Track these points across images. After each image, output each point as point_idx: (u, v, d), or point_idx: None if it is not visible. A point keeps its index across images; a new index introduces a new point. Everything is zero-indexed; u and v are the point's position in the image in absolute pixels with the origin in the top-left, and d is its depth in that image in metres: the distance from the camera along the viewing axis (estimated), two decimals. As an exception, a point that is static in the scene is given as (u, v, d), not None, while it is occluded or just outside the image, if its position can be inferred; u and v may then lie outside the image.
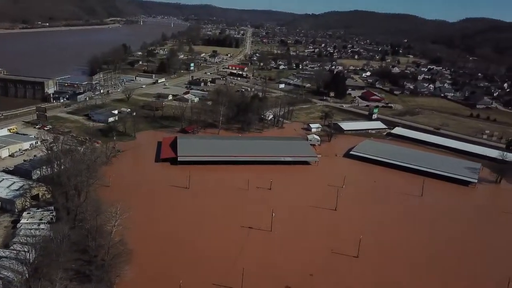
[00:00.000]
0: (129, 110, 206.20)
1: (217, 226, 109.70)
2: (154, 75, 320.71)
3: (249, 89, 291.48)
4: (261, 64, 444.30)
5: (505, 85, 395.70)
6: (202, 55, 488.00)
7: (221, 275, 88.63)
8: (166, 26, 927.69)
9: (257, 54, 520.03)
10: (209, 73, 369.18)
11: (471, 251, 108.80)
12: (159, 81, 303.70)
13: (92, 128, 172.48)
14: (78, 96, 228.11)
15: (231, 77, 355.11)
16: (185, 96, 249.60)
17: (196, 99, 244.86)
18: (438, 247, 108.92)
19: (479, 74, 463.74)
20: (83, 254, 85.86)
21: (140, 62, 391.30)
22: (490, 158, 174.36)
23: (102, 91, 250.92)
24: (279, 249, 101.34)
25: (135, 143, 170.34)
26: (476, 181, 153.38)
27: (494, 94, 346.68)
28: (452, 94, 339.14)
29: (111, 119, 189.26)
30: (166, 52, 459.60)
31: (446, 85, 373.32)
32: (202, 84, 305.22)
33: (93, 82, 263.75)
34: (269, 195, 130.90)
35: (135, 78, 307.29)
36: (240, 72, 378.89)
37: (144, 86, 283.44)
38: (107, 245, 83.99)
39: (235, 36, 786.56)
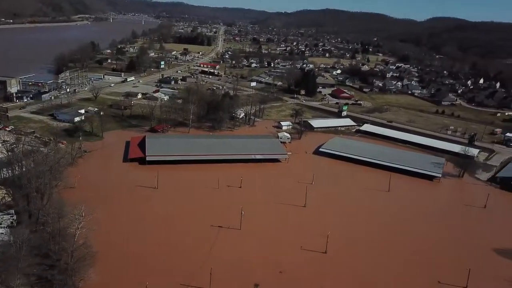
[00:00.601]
0: (96, 109, 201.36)
1: (186, 226, 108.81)
2: (123, 74, 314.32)
3: (220, 87, 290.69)
4: (233, 62, 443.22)
5: (469, 82, 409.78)
6: (173, 53, 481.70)
7: (189, 275, 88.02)
8: (137, 23, 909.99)
9: (229, 52, 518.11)
10: (180, 71, 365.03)
11: (436, 243, 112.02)
12: (128, 80, 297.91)
13: (57, 128, 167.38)
14: (43, 96, 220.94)
15: (203, 75, 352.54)
16: (155, 95, 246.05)
17: (166, 98, 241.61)
18: (404, 240, 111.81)
19: (445, 72, 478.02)
20: (45, 259, 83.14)
21: (109, 60, 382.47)
22: (453, 153, 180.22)
23: (68, 90, 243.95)
24: (249, 247, 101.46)
25: (103, 143, 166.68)
26: (440, 175, 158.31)
27: (458, 91, 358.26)
28: (419, 91, 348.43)
29: (77, 119, 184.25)
30: (136, 50, 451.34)
31: (413, 82, 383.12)
32: (173, 82, 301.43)
33: (59, 81, 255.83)
34: (239, 193, 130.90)
35: (104, 77, 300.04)
36: (212, 70, 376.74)
37: (112, 85, 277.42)
38: (70, 248, 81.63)
39: (207, 34, 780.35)
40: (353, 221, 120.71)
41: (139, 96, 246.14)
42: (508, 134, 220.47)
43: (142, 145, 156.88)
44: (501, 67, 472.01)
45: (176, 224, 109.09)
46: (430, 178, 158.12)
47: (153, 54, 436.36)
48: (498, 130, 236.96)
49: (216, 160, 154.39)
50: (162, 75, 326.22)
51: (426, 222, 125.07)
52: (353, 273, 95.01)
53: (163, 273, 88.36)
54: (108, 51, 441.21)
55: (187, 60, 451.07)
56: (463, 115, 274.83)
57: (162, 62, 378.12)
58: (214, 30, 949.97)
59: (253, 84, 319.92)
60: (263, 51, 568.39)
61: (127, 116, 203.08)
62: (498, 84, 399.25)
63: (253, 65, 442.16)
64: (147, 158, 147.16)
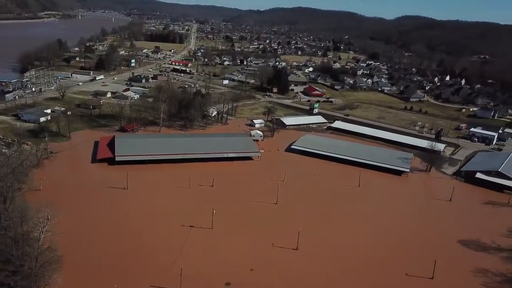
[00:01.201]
0: (63, 109, 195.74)
1: (156, 226, 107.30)
2: (92, 72, 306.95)
3: (192, 85, 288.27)
4: (206, 60, 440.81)
5: (436, 79, 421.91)
6: (144, 51, 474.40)
7: (160, 276, 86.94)
8: (107, 21, 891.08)
9: (202, 50, 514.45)
10: (151, 70, 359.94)
11: (403, 236, 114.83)
12: (97, 78, 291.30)
13: (21, 128, 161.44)
14: (6, 95, 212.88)
15: (175, 73, 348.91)
16: (125, 93, 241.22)
17: (137, 96, 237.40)
18: (374, 234, 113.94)
19: (413, 69, 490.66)
20: (7, 264, 79.88)
21: (77, 59, 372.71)
22: (421, 148, 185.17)
23: (34, 89, 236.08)
24: (220, 246, 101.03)
25: (70, 143, 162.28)
26: (408, 170, 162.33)
27: (426, 88, 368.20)
28: (389, 88, 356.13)
29: (43, 119, 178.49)
30: (106, 48, 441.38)
31: (383, 79, 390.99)
32: (144, 80, 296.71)
33: (24, 80, 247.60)
34: (211, 192, 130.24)
35: (71, 75, 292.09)
36: (184, 68, 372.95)
37: (80, 84, 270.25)
38: (34, 253, 78.95)
39: (179, 31, 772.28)
40: (324, 217, 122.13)
41: (109, 95, 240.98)
42: (472, 129, 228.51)
43: (111, 145, 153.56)
44: (465, 64, 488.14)
45: (146, 225, 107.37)
46: (398, 173, 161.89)
47: (123, 52, 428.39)
48: (463, 125, 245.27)
49: (187, 159, 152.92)
50: (133, 73, 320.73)
51: (395, 216, 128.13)
52: (323, 269, 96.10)
53: (132, 275, 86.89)
54: (76, 49, 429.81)
55: (159, 58, 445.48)
56: (430, 111, 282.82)
57: (133, 60, 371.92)
58: (187, 27, 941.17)
59: (226, 82, 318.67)
60: (236, 49, 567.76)
61: (96, 116, 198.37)
62: (463, 81, 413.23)
63: (226, 63, 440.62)
64: (117, 159, 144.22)
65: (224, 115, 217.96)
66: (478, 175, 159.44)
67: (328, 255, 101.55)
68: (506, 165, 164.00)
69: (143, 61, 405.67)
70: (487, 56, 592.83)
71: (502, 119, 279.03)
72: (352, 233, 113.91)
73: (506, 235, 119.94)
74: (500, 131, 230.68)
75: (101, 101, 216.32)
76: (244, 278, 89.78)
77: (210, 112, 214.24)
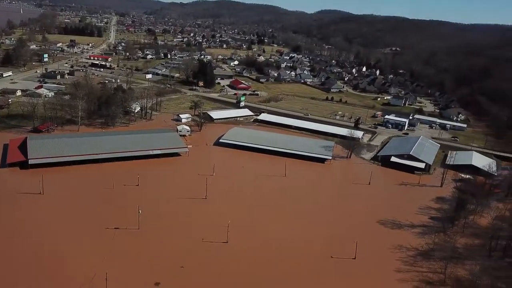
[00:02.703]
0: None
1: (78, 231, 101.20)
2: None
3: (113, 80, 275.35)
4: (127, 54, 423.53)
5: (354, 70, 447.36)
6: (59, 45, 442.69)
7: (83, 283, 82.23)
8: (14, 12, 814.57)
9: (123, 44, 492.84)
10: (67, 65, 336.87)
11: (328, 220, 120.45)
12: (4, 75, 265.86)
13: None
14: None
15: (94, 68, 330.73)
16: (38, 91, 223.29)
17: (51, 94, 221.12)
18: (301, 221, 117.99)
19: (333, 61, 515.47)
20: None
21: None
22: (341, 136, 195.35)
23: None
24: (148, 246, 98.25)
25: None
26: (330, 157, 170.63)
27: (345, 79, 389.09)
28: (311, 80, 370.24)
29: None
30: (14, 41, 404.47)
31: (305, 71, 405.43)
32: (59, 77, 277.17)
33: None
34: (136, 192, 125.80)
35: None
36: (104, 63, 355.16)
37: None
38: None
39: (97, 24, 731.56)
40: (253, 208, 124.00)
41: (19, 93, 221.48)
42: (386, 116, 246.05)
43: (23, 147, 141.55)
44: (379, 56, 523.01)
45: (66, 230, 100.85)
46: (322, 160, 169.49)
47: (34, 46, 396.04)
48: (379, 113, 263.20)
49: (109, 159, 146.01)
50: (46, 69, 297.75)
51: (319, 201, 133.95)
52: (253, 259, 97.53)
53: (54, 284, 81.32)
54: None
55: (75, 52, 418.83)
56: (350, 101, 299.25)
57: (45, 55, 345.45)
58: (105, 20, 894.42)
59: (149, 76, 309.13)
60: (159, 42, 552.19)
61: (4, 116, 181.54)
62: (378, 72, 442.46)
63: (149, 56, 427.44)
64: (30, 162, 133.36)
65: (148, 110, 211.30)
66: (393, 158, 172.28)
67: (257, 245, 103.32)
68: (416, 148, 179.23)
69: (58, 56, 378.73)
70: (398, 48, 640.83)
71: (412, 106, 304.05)
72: (279, 221, 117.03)
73: (418, 213, 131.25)
74: (411, 117, 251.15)
75: (10, 100, 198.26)
76: (174, 276, 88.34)
77: (133, 108, 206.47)
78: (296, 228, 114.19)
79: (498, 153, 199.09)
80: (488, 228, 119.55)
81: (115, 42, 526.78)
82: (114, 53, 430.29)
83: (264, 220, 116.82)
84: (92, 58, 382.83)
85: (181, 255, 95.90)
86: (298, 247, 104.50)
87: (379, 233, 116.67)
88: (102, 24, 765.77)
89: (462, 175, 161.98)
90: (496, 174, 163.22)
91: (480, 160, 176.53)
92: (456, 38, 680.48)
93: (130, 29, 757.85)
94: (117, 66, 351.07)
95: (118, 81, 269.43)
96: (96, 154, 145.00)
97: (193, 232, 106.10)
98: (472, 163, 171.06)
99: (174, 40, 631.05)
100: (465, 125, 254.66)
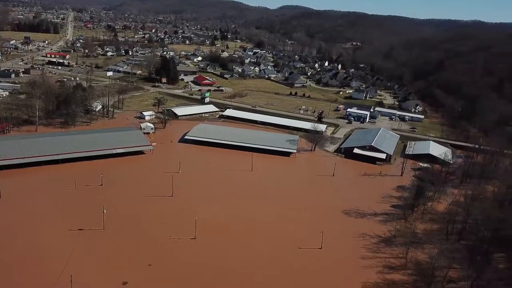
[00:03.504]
0: None
1: (39, 235, 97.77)
2: None
3: (72, 78, 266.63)
4: (86, 51, 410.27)
5: (316, 65, 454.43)
6: (12, 42, 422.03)
7: (47, 287, 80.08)
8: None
9: (81, 40, 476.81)
10: (21, 63, 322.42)
11: (294, 213, 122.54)
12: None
13: None
14: None
15: (51, 66, 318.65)
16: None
17: (6, 94, 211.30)
18: (268, 214, 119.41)
19: (296, 56, 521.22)
20: None
21: None
22: (305, 130, 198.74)
23: None
24: (114, 245, 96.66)
25: None
26: (295, 151, 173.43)
27: (308, 74, 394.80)
28: (275, 75, 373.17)
29: None
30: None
31: (269, 67, 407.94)
32: (13, 75, 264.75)
33: None
34: (100, 192, 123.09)
35: None
36: (61, 60, 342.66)
37: None
38: None
39: (53, 20, 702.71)
40: (220, 204, 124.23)
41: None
42: (348, 109, 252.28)
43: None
44: (341, 51, 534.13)
45: (27, 235, 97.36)
46: (287, 154, 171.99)
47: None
48: (341, 106, 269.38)
49: (71, 159, 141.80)
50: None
51: (286, 194, 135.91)
52: (221, 254, 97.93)
53: (14, 290, 78.68)
54: None
55: (31, 50, 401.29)
56: (313, 95, 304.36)
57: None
58: (62, 16, 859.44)
59: (110, 73, 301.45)
60: (120, 39, 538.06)
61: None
62: (339, 66, 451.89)
63: (109, 53, 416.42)
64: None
65: (110, 108, 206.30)
66: (355, 150, 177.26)
67: (225, 240, 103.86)
68: (377, 140, 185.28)
69: (11, 53, 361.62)
70: (358, 43, 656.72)
71: (373, 99, 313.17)
72: (247, 216, 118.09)
73: (380, 201, 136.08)
74: (372, 110, 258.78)
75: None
76: (142, 274, 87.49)
77: (94, 106, 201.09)
78: (263, 222, 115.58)
79: (452, 142, 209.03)
80: (445, 213, 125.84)
81: (72, 39, 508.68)
82: (72, 50, 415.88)
83: (232, 215, 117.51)
84: (49, 55, 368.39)
85: (148, 253, 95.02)
86: (266, 240, 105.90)
87: (344, 222, 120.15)
88: (59, 20, 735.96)
89: (421, 164, 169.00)
90: (451, 162, 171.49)
91: (437, 149, 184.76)
92: (413, 33, 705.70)
93: (89, 25, 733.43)
94: (76, 64, 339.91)
95: (78, 79, 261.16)
96: (56, 154, 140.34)
97: (160, 230, 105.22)
98: (430, 152, 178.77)
99: (135, 36, 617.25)
100: (422, 116, 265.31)
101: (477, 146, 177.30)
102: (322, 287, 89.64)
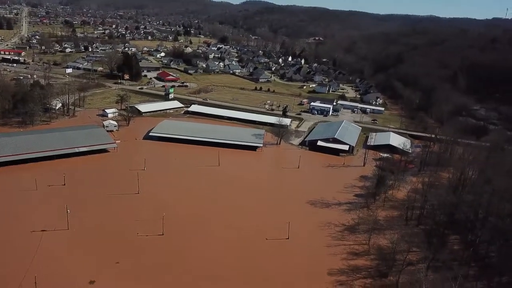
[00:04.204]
0: None
1: (0, 239, 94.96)
2: None
3: (29, 76, 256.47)
4: (43, 47, 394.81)
5: (280, 60, 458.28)
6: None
7: (10, 290, 78.17)
8: None
9: (37, 37, 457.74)
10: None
11: (261, 205, 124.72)
12: None
13: None
14: None
15: (5, 63, 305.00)
16: None
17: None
18: (236, 208, 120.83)
19: (260, 51, 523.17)
20: None
21: None
22: (271, 124, 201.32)
23: None
24: (80, 245, 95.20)
25: None
26: (261, 145, 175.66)
27: (272, 69, 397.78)
28: (239, 71, 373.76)
29: None
30: None
31: (233, 62, 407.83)
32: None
33: None
34: (63, 192, 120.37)
35: None
36: (16, 58, 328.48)
37: None
38: None
39: (6, 16, 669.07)
40: (188, 199, 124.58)
41: None
42: (312, 103, 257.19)
43: None
44: (304, 45, 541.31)
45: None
46: (254, 148, 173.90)
47: None
48: (305, 100, 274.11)
49: (30, 159, 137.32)
50: None
51: (253, 188, 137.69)
52: (189, 249, 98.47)
53: (-26, 295, 76.27)
54: None
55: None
56: (277, 90, 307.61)
57: None
58: (15, 11, 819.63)
59: (69, 70, 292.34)
60: (78, 35, 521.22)
61: None
62: (303, 61, 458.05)
63: (68, 50, 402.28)
64: None
65: (71, 107, 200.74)
66: (319, 143, 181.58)
67: (193, 235, 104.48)
68: (340, 132, 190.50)
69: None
70: (321, 38, 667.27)
71: (336, 92, 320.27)
72: (215, 210, 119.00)
73: (343, 191, 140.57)
74: (334, 103, 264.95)
75: None
76: (110, 272, 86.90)
77: (54, 104, 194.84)
78: (231, 215, 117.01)
79: (411, 133, 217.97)
80: (404, 200, 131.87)
81: (28, 35, 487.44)
82: (28, 47, 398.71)
83: (200, 210, 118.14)
84: (2, 52, 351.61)
85: (115, 251, 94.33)
86: (234, 233, 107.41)
87: (310, 213, 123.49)
88: (12, 16, 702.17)
89: (382, 154, 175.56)
90: (410, 151, 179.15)
91: (397, 140, 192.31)
92: (374, 27, 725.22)
93: (45, 21, 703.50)
94: (32, 61, 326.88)
95: (35, 76, 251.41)
96: (15, 155, 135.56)
97: (127, 227, 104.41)
98: (390, 143, 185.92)
99: (95, 32, 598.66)
100: (383, 109, 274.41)
101: (433, 136, 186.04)
102: (290, 275, 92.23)
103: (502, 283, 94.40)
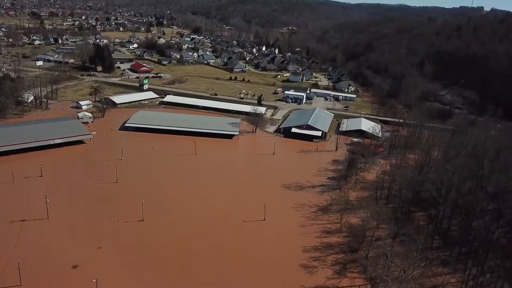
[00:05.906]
0: None
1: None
2: None
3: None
4: (10, 40, 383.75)
5: (254, 50, 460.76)
6: None
7: (-6, 277, 79.84)
8: None
9: (4, 29, 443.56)
10: None
11: (239, 191, 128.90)
12: None
13: None
14: None
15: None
16: None
17: None
18: (214, 193, 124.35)
19: (234, 41, 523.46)
20: None
21: None
22: (246, 113, 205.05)
23: None
24: (60, 233, 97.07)
25: None
26: (237, 133, 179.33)
27: (247, 59, 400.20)
28: (214, 61, 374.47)
29: None
30: None
31: (207, 52, 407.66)
32: None
33: None
34: (41, 183, 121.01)
35: None
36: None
37: None
38: None
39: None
40: (166, 186, 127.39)
41: None
42: (286, 92, 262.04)
43: None
44: (277, 35, 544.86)
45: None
46: (230, 136, 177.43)
47: None
48: (279, 89, 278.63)
49: (5, 152, 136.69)
50: None
51: (230, 173, 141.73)
52: (170, 234, 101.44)
53: (-42, 284, 77.64)
54: None
55: None
56: (252, 80, 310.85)
57: None
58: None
59: (40, 63, 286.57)
60: (47, 27, 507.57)
61: None
62: (276, 51, 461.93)
63: (37, 42, 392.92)
64: None
65: (43, 99, 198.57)
66: (293, 129, 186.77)
67: (174, 220, 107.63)
68: (313, 119, 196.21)
69: None
70: (294, 28, 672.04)
71: (309, 81, 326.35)
72: (193, 195, 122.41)
73: (316, 174, 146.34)
74: (308, 92, 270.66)
75: None
76: (92, 257, 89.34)
77: (26, 97, 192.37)
78: (209, 199, 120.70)
79: (381, 118, 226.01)
80: (374, 181, 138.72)
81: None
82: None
83: (179, 196, 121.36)
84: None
85: (97, 237, 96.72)
86: (212, 216, 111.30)
87: (284, 195, 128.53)
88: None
89: (353, 139, 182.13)
90: (380, 136, 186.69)
91: (367, 125, 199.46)
92: (345, 17, 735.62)
93: (11, 13, 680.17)
94: (0, 54, 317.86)
95: (4, 69, 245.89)
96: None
97: (107, 215, 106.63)
98: (361, 128, 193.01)
99: (64, 24, 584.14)
100: (354, 96, 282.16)
101: (402, 120, 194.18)
102: (267, 254, 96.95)
103: (462, 253, 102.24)
